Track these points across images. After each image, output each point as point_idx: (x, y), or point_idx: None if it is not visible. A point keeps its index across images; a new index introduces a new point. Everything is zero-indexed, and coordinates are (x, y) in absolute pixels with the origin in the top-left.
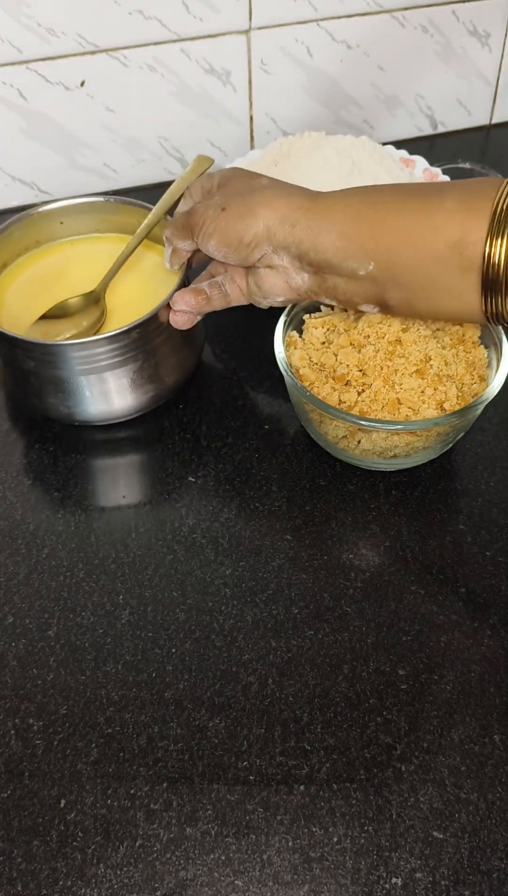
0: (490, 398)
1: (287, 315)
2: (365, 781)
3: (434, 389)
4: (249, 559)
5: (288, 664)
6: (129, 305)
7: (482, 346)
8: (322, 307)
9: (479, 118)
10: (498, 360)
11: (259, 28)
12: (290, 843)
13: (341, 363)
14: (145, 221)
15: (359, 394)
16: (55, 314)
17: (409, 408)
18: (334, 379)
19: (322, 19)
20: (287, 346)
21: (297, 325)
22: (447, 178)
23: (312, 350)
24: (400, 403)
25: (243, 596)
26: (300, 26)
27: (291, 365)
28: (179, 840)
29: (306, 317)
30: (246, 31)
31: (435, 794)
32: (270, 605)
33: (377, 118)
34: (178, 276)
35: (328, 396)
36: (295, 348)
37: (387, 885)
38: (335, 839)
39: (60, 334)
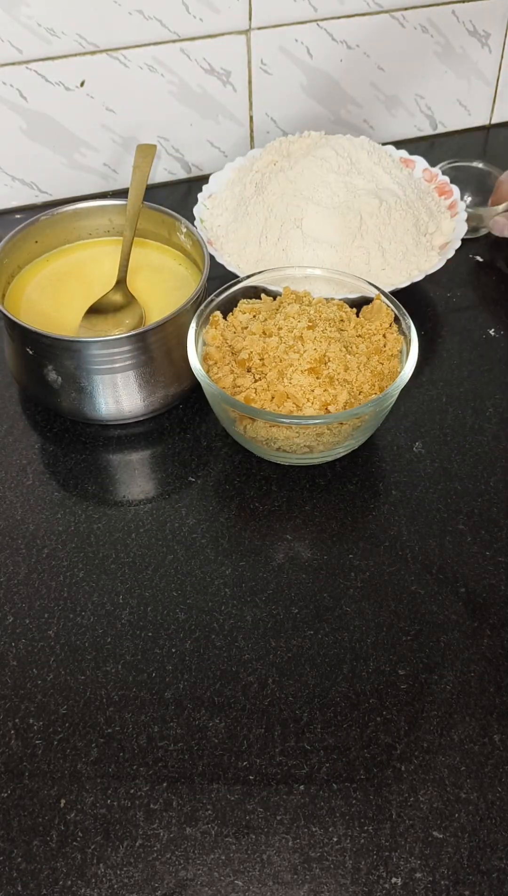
0: (362, 413)
1: (216, 295)
2: (365, 781)
3: (324, 391)
4: (249, 559)
5: (288, 664)
6: (145, 304)
7: (398, 361)
8: (263, 296)
9: (479, 118)
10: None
11: (259, 28)
12: (290, 843)
13: (244, 349)
14: (127, 217)
15: (255, 381)
16: (96, 310)
17: (294, 403)
18: (235, 363)
19: (322, 19)
20: (211, 324)
21: (229, 307)
22: (446, 179)
23: (229, 332)
24: (287, 397)
25: (243, 596)
26: (300, 26)
27: (205, 342)
28: (179, 840)
29: (241, 301)
30: (246, 31)
31: (435, 793)
32: (270, 604)
33: (377, 118)
34: (189, 275)
35: (222, 378)
36: (214, 327)
37: (387, 885)
38: (335, 839)
39: (107, 332)
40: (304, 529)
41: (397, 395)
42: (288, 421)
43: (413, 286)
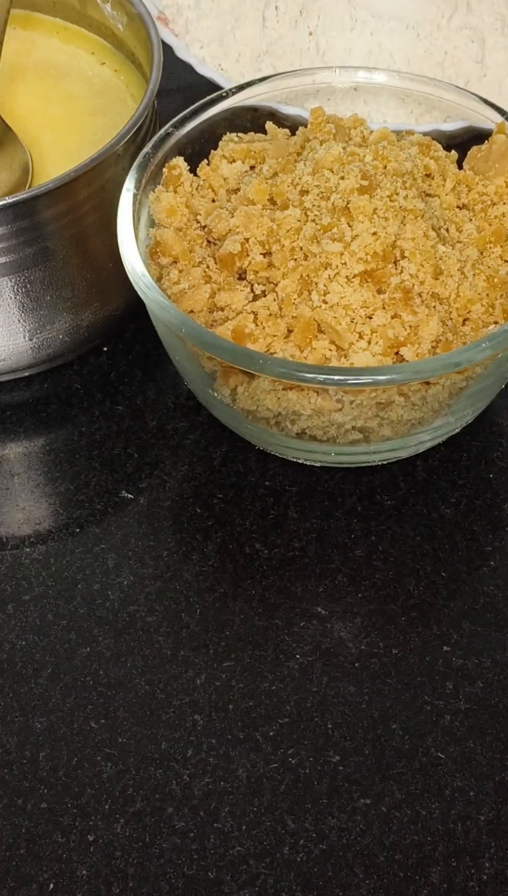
0: (471, 362)
1: (177, 125)
2: None
3: (394, 315)
4: (241, 656)
5: (320, 867)
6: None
7: None
8: (269, 125)
9: None
10: None
11: None
12: None
13: (235, 231)
14: None
15: (255, 297)
16: None
17: (332, 341)
18: (215, 259)
19: None
20: (166, 182)
21: (203, 148)
22: None
23: (201, 198)
24: (320, 330)
25: (228, 730)
26: None
27: (155, 220)
28: None
29: (227, 134)
30: None
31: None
32: (281, 747)
33: None
34: (120, 85)
35: (189, 292)
36: (172, 189)
37: None
38: None
39: None
40: (351, 596)
41: None
42: (322, 377)
43: None
